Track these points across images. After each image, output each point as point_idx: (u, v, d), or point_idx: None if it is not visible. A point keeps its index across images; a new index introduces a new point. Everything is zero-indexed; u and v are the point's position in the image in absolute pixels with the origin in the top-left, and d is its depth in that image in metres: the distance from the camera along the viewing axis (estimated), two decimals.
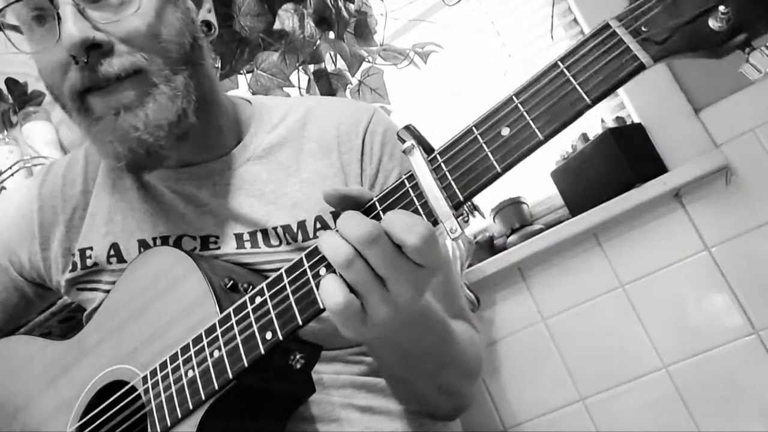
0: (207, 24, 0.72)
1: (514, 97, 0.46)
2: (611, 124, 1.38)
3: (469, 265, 1.40)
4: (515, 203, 1.49)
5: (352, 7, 1.36)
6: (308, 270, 0.52)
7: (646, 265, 1.29)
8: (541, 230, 1.39)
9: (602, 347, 1.30)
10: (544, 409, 1.34)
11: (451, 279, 0.79)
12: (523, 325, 1.38)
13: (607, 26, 0.43)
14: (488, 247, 1.50)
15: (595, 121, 1.46)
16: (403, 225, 0.46)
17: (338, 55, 1.35)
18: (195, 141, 0.69)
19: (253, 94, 1.29)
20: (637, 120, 1.36)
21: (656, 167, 1.28)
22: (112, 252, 0.75)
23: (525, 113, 0.45)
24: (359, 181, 0.73)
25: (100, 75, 0.61)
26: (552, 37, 1.52)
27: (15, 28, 0.67)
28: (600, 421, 1.29)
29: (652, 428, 1.24)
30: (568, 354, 1.33)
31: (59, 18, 0.59)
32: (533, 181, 1.53)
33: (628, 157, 1.28)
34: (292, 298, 0.52)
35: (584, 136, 1.40)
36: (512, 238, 1.43)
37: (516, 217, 1.47)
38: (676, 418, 1.22)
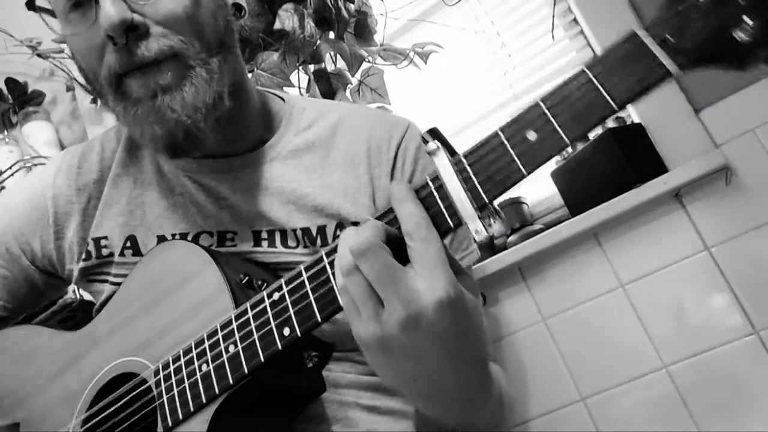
0: (237, 6, 0.72)
1: (540, 102, 0.46)
2: (611, 124, 1.38)
3: None
4: (515, 203, 1.49)
5: (352, 7, 1.36)
6: (328, 267, 0.52)
7: (646, 265, 1.29)
8: (541, 230, 1.39)
9: (602, 347, 1.30)
10: (544, 409, 1.34)
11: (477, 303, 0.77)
12: (523, 325, 1.38)
13: (634, 35, 0.44)
14: (488, 247, 1.50)
15: None
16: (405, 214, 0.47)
17: (338, 55, 1.35)
18: (223, 129, 0.69)
19: None
20: (637, 120, 1.36)
21: (656, 167, 1.28)
22: (128, 244, 0.74)
23: (552, 118, 0.46)
24: (388, 195, 0.72)
25: (137, 58, 0.61)
26: (553, 37, 1.52)
27: (48, 11, 0.67)
28: (600, 421, 1.29)
29: (652, 428, 1.24)
30: (568, 354, 1.33)
31: (96, 0, 0.60)
32: (533, 181, 1.53)
33: (628, 157, 1.28)
34: (311, 296, 0.52)
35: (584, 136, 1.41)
36: (512, 238, 1.43)
37: (516, 217, 1.47)
38: (676, 418, 1.22)
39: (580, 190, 1.37)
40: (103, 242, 0.76)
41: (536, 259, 1.36)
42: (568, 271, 1.35)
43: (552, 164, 1.45)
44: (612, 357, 1.29)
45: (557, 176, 1.43)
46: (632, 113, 1.39)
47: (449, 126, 1.62)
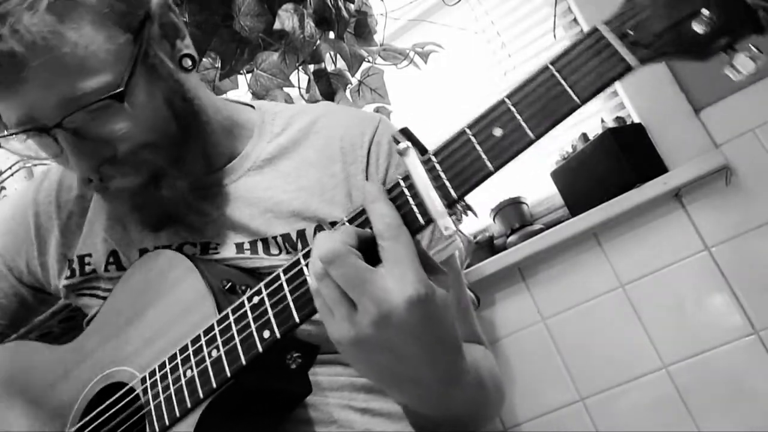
0: (188, 56, 0.69)
1: (506, 99, 0.47)
2: (611, 124, 1.38)
3: (469, 265, 1.40)
4: (515, 203, 1.49)
5: (352, 7, 1.36)
6: (305, 269, 0.52)
7: (646, 265, 1.29)
8: (541, 230, 1.39)
9: (602, 347, 1.30)
10: (544, 409, 1.34)
11: (462, 294, 0.78)
12: (523, 325, 1.38)
13: (595, 30, 0.45)
14: (488, 247, 1.50)
15: (595, 121, 1.46)
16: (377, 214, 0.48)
17: (338, 55, 1.35)
18: (193, 161, 0.70)
19: (253, 93, 1.29)
20: (637, 120, 1.36)
21: (656, 167, 1.28)
22: (111, 259, 0.75)
23: (517, 114, 0.46)
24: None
25: (113, 181, 0.65)
26: (555, 36, 1.52)
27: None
28: (600, 421, 1.29)
29: (652, 428, 1.24)
30: (568, 354, 1.33)
31: (55, 139, 0.60)
32: (533, 181, 1.53)
33: (628, 157, 1.28)
34: (289, 297, 0.53)
35: (584, 136, 1.41)
36: (512, 238, 1.43)
37: (516, 217, 1.47)
38: (676, 418, 1.22)
39: (580, 190, 1.37)
40: (87, 259, 0.76)
41: (536, 259, 1.36)
42: (568, 271, 1.35)
43: (552, 164, 1.45)
44: (612, 357, 1.29)
45: (557, 176, 1.43)
46: (632, 113, 1.39)
47: (449, 126, 1.62)
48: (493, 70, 1.64)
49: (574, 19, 1.51)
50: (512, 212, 1.48)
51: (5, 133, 0.62)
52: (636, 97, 1.37)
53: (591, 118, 1.49)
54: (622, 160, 1.28)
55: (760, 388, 1.17)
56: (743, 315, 1.21)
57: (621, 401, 1.28)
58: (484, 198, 1.53)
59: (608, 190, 1.29)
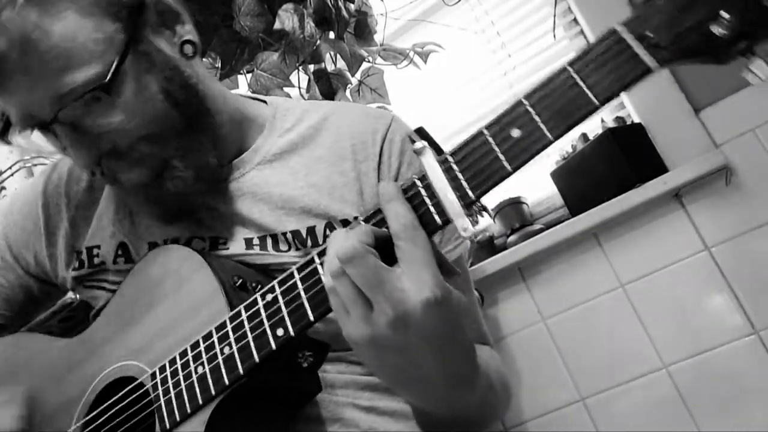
0: (190, 42, 0.67)
1: (524, 100, 0.47)
2: (611, 124, 1.38)
3: (470, 265, 1.40)
4: (515, 203, 1.49)
5: (352, 7, 1.36)
6: (319, 268, 0.52)
7: (646, 265, 1.29)
8: (541, 230, 1.39)
9: (602, 347, 1.30)
10: (545, 409, 1.34)
11: (470, 294, 0.78)
12: (523, 325, 1.38)
13: (614, 32, 0.45)
14: (488, 247, 1.50)
15: (595, 121, 1.46)
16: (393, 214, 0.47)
17: (338, 55, 1.35)
18: (201, 153, 0.69)
19: (253, 93, 1.29)
20: (637, 120, 1.36)
21: (656, 167, 1.28)
22: (119, 252, 0.75)
23: (535, 115, 0.46)
24: (376, 190, 0.72)
25: (118, 174, 0.64)
26: (554, 36, 1.52)
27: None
28: (600, 421, 1.29)
29: (652, 428, 1.24)
30: (568, 354, 1.33)
31: (55, 134, 0.61)
32: (533, 181, 1.53)
33: (628, 157, 1.28)
34: (304, 296, 0.53)
35: (584, 136, 1.41)
36: (512, 238, 1.43)
37: (516, 217, 1.47)
38: (676, 418, 1.22)
39: (580, 190, 1.37)
40: (95, 251, 0.76)
41: (536, 259, 1.36)
42: (568, 271, 1.35)
43: (552, 164, 1.45)
44: (612, 357, 1.29)
45: (557, 176, 1.43)
46: (632, 113, 1.39)
47: (449, 126, 1.62)
48: (493, 70, 1.64)
49: (574, 19, 1.51)
50: (512, 212, 1.48)
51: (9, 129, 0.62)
52: (636, 97, 1.37)
53: (591, 118, 1.49)
54: (622, 160, 1.28)
55: (760, 388, 1.17)
56: (743, 315, 1.21)
57: (621, 401, 1.28)
58: (484, 198, 1.53)
59: (608, 190, 1.29)
